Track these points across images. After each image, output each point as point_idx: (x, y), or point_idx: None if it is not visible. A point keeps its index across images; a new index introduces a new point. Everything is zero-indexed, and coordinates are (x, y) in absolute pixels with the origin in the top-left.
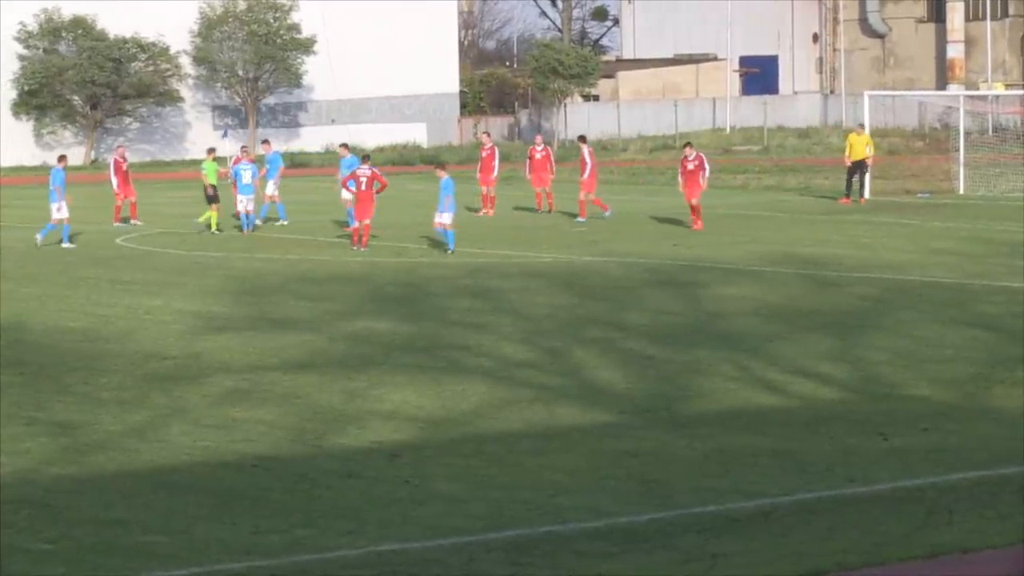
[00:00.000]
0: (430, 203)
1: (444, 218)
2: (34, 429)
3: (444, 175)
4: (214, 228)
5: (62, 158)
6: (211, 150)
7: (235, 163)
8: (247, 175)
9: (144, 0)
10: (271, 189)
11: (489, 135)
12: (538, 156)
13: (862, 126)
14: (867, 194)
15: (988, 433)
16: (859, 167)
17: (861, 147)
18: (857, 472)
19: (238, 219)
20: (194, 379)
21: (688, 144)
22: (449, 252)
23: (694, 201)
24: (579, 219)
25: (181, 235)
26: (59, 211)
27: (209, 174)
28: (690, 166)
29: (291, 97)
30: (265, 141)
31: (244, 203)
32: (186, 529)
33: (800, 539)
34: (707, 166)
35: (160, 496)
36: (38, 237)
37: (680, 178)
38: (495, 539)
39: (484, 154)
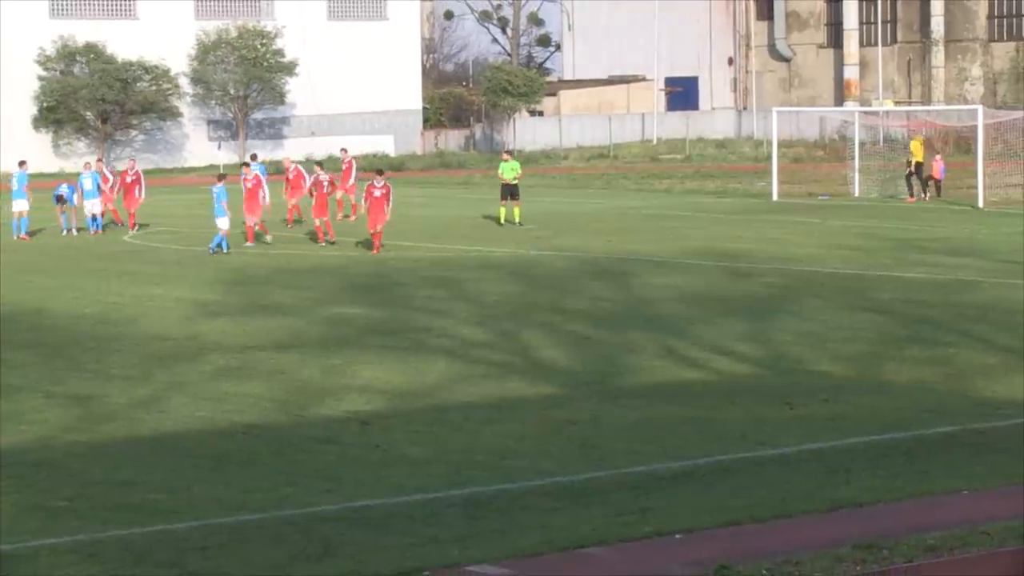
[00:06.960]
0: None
1: (223, 223)
2: (52, 401)
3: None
4: (509, 220)
5: (22, 163)
6: (508, 152)
7: (85, 169)
8: (88, 182)
9: (148, 28)
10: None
11: (345, 151)
12: (376, 194)
13: (921, 134)
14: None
15: (880, 403)
16: (919, 169)
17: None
18: (767, 437)
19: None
20: (192, 358)
21: (379, 171)
22: (226, 252)
23: (378, 227)
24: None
25: (180, 233)
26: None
27: (505, 172)
28: (376, 193)
29: (276, 113)
30: (22, 162)
31: (90, 207)
32: (185, 488)
33: (718, 495)
34: (392, 196)
35: (162, 460)
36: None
37: (364, 203)
38: (454, 496)
39: (344, 166)
